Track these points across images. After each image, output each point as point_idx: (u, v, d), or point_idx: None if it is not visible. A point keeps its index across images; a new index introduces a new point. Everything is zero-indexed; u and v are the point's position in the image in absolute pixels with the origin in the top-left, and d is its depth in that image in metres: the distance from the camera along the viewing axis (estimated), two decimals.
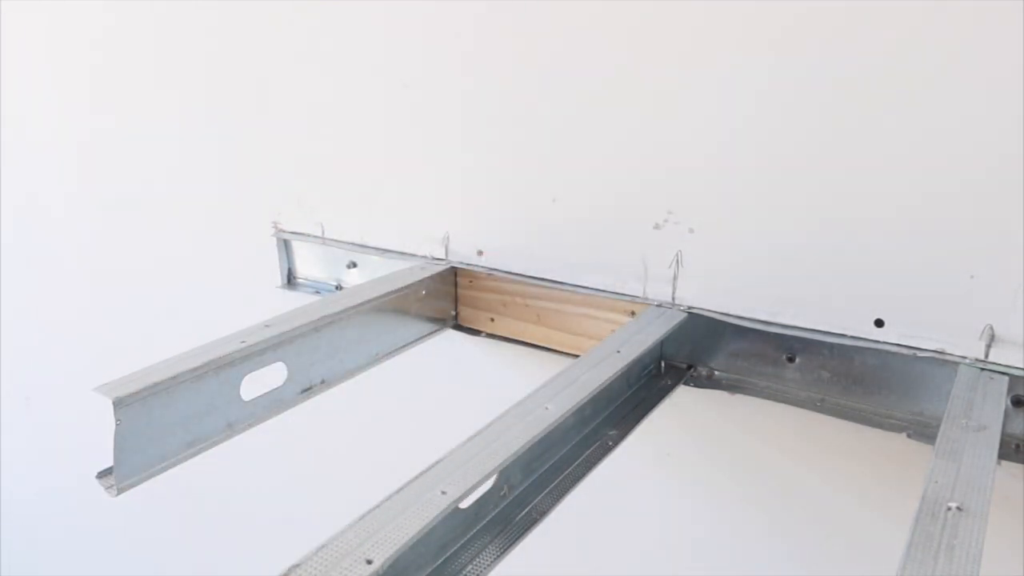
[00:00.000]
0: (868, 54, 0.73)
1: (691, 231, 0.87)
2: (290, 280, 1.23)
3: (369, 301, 0.91)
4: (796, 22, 0.75)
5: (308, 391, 0.85)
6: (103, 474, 0.68)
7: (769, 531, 0.93)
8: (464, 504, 0.58)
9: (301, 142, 1.15)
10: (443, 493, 0.54)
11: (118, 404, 0.64)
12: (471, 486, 0.56)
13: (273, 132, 1.18)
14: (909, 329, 0.77)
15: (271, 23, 1.12)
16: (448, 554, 0.58)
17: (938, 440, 0.62)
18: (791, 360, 0.85)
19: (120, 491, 0.67)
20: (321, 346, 0.85)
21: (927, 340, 0.76)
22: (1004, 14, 0.66)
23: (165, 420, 0.69)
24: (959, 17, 0.68)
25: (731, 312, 0.87)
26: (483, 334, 1.05)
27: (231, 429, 0.77)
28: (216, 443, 0.75)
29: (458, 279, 1.05)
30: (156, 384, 0.67)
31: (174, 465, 0.71)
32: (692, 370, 0.91)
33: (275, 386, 0.81)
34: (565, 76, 0.90)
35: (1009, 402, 0.73)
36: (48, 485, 1.81)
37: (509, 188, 0.98)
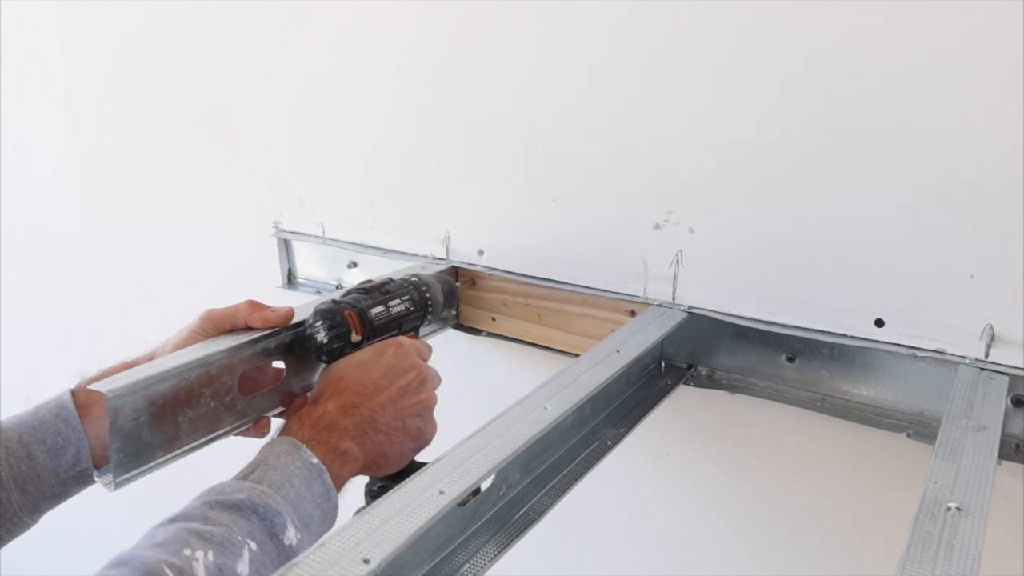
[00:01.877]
0: (868, 54, 0.73)
1: (691, 231, 0.87)
2: (290, 280, 1.23)
3: None
4: (795, 21, 0.75)
5: (308, 389, 0.84)
6: (101, 471, 0.68)
7: (769, 531, 0.93)
8: (462, 504, 0.58)
9: (301, 142, 1.15)
10: (441, 493, 0.54)
11: (112, 398, 0.64)
12: (469, 485, 0.56)
13: (273, 132, 1.18)
14: (909, 329, 0.77)
15: (272, 23, 1.12)
16: (445, 553, 0.58)
17: (938, 440, 0.62)
18: (791, 360, 0.85)
19: (117, 487, 0.66)
20: None
21: (927, 340, 0.76)
22: (1004, 13, 0.66)
23: (161, 416, 0.69)
24: (959, 16, 0.68)
25: (731, 312, 0.87)
26: (484, 333, 1.05)
27: (228, 425, 0.76)
28: (214, 439, 0.75)
29: (459, 279, 1.05)
30: (151, 378, 0.67)
31: (171, 461, 0.71)
32: (692, 370, 0.91)
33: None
34: (565, 76, 0.90)
35: (1009, 402, 0.72)
36: None
37: (509, 188, 0.98)
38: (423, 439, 0.73)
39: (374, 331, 0.78)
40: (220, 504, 0.56)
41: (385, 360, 0.73)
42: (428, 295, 0.86)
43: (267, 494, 0.58)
